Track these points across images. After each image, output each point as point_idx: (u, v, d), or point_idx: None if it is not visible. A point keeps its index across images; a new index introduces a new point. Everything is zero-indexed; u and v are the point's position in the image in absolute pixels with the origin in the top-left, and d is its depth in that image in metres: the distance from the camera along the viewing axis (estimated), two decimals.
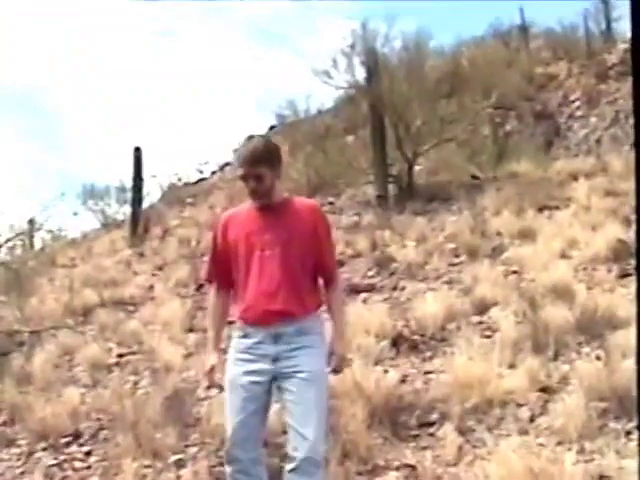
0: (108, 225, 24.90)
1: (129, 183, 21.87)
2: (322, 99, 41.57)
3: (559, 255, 10.78)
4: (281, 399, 4.26)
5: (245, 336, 4.32)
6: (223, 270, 4.47)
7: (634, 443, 5.22)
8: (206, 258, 4.80)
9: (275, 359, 4.20)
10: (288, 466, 4.15)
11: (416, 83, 17.72)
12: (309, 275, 4.34)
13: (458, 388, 6.63)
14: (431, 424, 6.39)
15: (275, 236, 4.27)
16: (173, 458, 6.54)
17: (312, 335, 4.26)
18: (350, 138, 21.16)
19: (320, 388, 4.19)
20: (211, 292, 4.64)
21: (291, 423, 4.17)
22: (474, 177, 17.38)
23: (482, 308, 9.05)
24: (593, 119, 20.63)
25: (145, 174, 21.02)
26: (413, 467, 5.67)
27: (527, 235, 11.94)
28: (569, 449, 5.24)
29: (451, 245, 12.41)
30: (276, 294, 4.22)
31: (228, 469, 4.32)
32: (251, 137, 4.35)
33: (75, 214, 25.46)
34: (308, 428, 4.09)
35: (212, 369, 4.45)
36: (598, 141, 19.84)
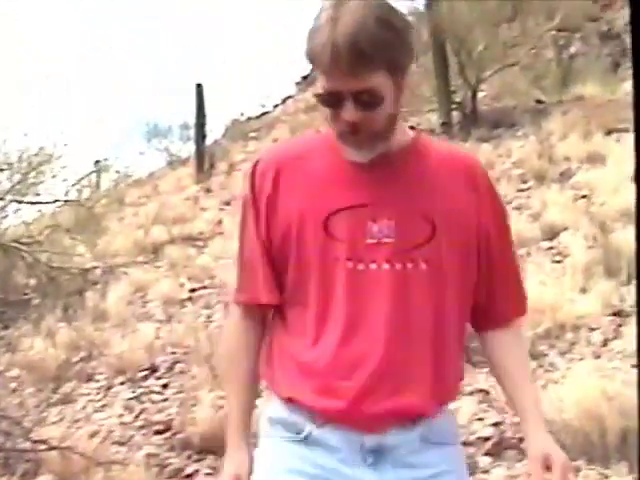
0: (173, 163, 25.06)
1: (192, 120, 21.99)
2: None
3: (630, 178, 10.60)
4: None
5: (310, 441, 1.96)
6: (265, 276, 2.04)
7: None
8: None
9: None
10: None
11: (477, 7, 17.38)
12: (461, 323, 2.04)
13: (530, 313, 6.53)
14: None
15: (398, 228, 1.92)
16: None
17: (448, 446, 2.04)
18: (412, 66, 20.93)
19: None
20: (232, 319, 2.16)
21: None
22: (539, 101, 17.08)
23: (552, 233, 8.99)
24: None
25: (207, 110, 21.11)
26: (486, 392, 5.70)
27: (596, 159, 11.72)
28: None
29: (518, 171, 12.27)
30: (388, 370, 1.90)
31: None
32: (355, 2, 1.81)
33: (141, 153, 25.66)
34: None
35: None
36: None
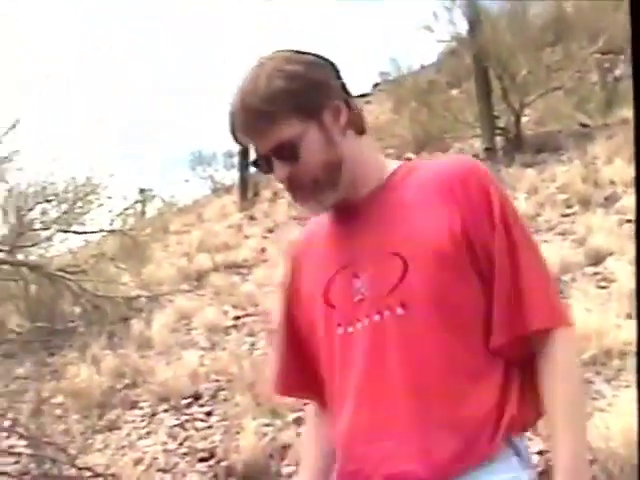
0: (217, 190, 25.24)
1: (236, 148, 22.13)
2: (424, 54, 41.18)
3: None
4: None
5: None
6: (305, 368, 2.00)
7: None
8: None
9: None
10: None
11: (519, 32, 17.34)
12: (481, 353, 1.77)
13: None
14: None
15: (374, 277, 1.80)
16: (292, 416, 6.65)
17: None
18: (455, 92, 20.91)
19: None
20: (307, 416, 2.20)
21: None
22: (583, 125, 16.98)
23: (597, 258, 8.89)
24: None
25: None
26: None
27: None
28: None
29: (563, 196, 12.18)
30: (374, 437, 1.77)
31: None
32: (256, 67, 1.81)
33: (186, 181, 25.90)
34: None
35: None
36: None
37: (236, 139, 1.85)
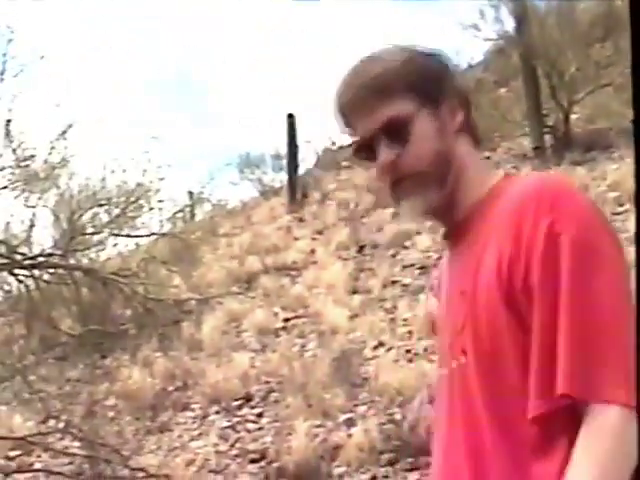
0: (266, 193, 25.28)
1: (284, 150, 22.14)
2: (471, 53, 40.94)
3: None
4: None
5: None
6: None
7: None
8: None
9: None
10: None
11: (568, 28, 17.17)
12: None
13: None
14: None
15: (451, 318, 1.63)
16: (343, 417, 6.66)
17: None
18: (502, 90, 20.77)
19: None
20: None
21: None
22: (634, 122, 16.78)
23: None
24: None
25: (299, 140, 21.24)
26: None
27: None
28: None
29: (614, 194, 12.04)
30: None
31: None
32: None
33: (234, 184, 25.94)
34: None
35: None
36: None
37: (341, 119, 1.65)
